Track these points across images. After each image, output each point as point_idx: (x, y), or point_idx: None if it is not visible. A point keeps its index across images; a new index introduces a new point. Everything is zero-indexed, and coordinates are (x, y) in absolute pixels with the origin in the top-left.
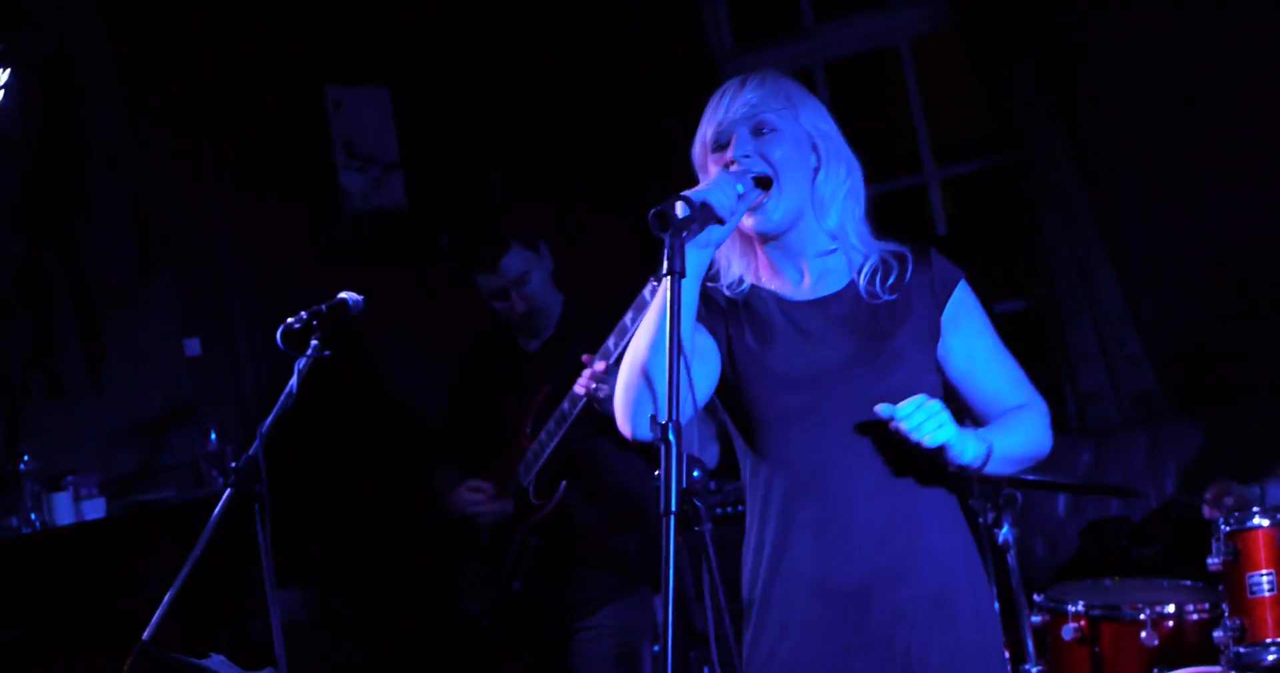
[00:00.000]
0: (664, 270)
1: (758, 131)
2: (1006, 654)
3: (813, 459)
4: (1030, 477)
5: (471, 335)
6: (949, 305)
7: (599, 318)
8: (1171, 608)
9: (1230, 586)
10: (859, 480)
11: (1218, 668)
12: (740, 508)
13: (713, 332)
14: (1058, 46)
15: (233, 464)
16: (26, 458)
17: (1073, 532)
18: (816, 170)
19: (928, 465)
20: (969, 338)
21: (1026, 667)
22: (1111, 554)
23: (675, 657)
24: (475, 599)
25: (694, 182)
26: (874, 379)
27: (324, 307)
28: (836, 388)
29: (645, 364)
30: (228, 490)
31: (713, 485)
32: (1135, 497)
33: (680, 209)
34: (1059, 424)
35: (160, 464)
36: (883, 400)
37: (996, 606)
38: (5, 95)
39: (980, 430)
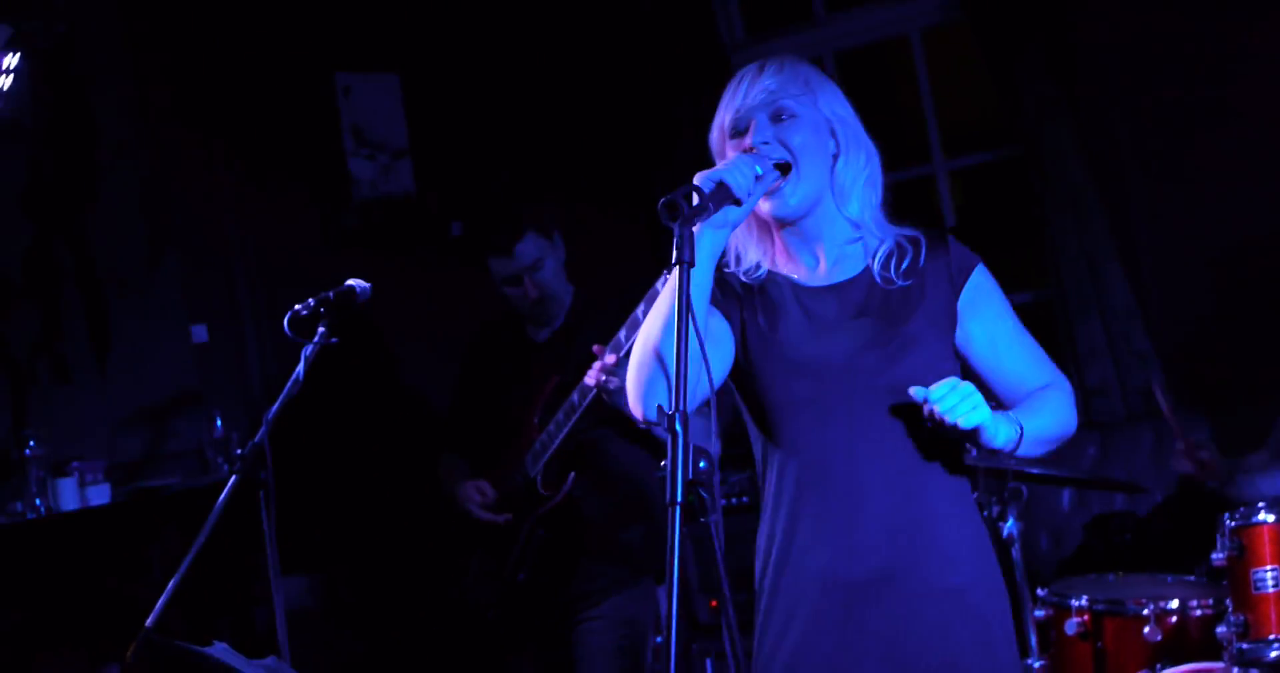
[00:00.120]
0: (674, 260)
1: (776, 118)
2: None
3: (822, 447)
4: (1035, 470)
5: (479, 325)
6: (965, 291)
7: (608, 309)
8: (1175, 603)
9: (1234, 581)
10: (869, 470)
11: (1220, 664)
12: (744, 499)
13: (727, 316)
14: (1068, 40)
15: (238, 451)
16: (32, 443)
17: (1077, 526)
18: (835, 157)
19: (943, 456)
20: (989, 322)
21: (1029, 661)
22: (1115, 549)
23: (678, 648)
24: (480, 590)
25: (701, 170)
26: (886, 366)
27: (331, 294)
28: (847, 375)
29: (658, 346)
30: (233, 477)
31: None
32: (1140, 492)
33: (694, 198)
34: None
35: (166, 451)
36: (895, 388)
37: (1007, 601)
38: (15, 80)
39: (1010, 413)
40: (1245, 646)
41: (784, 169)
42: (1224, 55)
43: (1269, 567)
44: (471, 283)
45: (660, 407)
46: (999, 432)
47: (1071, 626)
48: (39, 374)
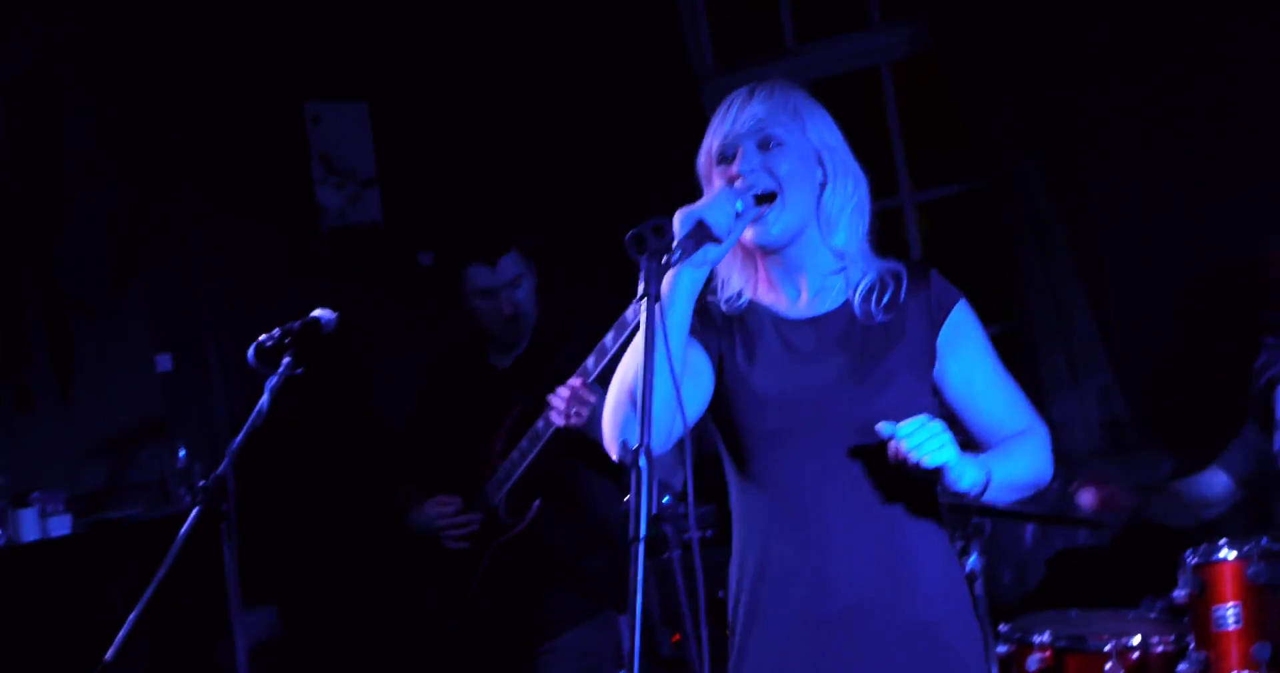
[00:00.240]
0: (640, 294)
1: (764, 145)
2: None
3: (796, 482)
4: (999, 505)
5: (436, 352)
6: (945, 328)
7: (572, 337)
8: (1137, 640)
9: (1196, 618)
10: (843, 506)
11: None
12: (708, 533)
13: (706, 347)
14: (1036, 74)
15: (201, 482)
16: None
17: (1040, 560)
18: (823, 186)
19: (915, 493)
20: (966, 362)
21: None
22: (1079, 584)
23: None
24: (442, 618)
25: (671, 202)
26: (861, 402)
27: (297, 324)
28: (823, 409)
29: (633, 387)
30: (195, 509)
31: (681, 511)
32: (1103, 528)
33: (663, 231)
34: None
35: (128, 481)
36: (869, 424)
37: (982, 637)
38: None
39: (980, 456)
40: None
41: (768, 199)
42: (1194, 89)
43: (1230, 604)
44: (439, 312)
45: (624, 442)
46: (965, 474)
47: (1034, 662)
48: (1, 402)
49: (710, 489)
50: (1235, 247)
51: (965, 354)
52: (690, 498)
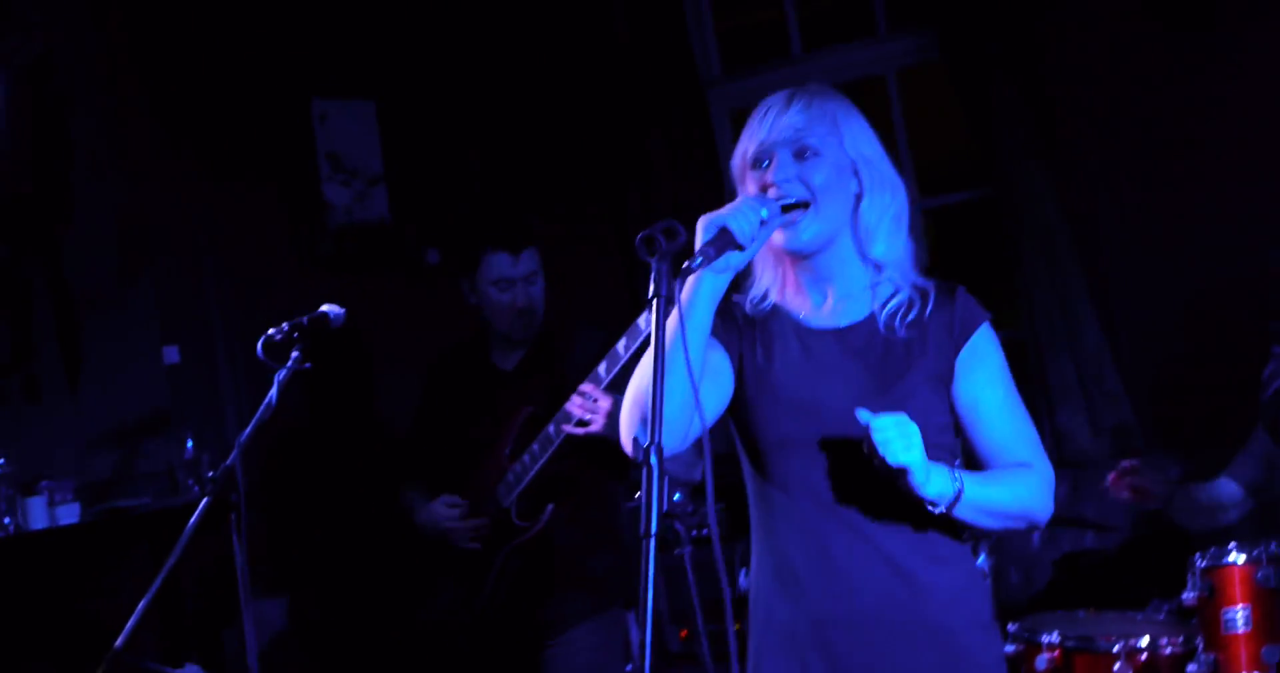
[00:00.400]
0: (650, 294)
1: (800, 155)
2: None
3: (813, 488)
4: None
5: (437, 352)
6: (965, 349)
7: (577, 341)
8: (1146, 641)
9: (1205, 620)
10: (859, 512)
11: None
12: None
13: (727, 348)
14: (1043, 82)
15: (209, 473)
16: (2, 462)
17: (1047, 562)
18: (859, 197)
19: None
20: (977, 386)
21: None
22: (1086, 586)
23: None
24: (450, 618)
25: (677, 205)
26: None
27: (305, 319)
28: (840, 420)
29: (646, 387)
30: (205, 499)
31: (690, 508)
32: (1110, 531)
33: (674, 234)
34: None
35: (136, 471)
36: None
37: (1000, 643)
38: None
39: (961, 472)
40: None
41: (801, 206)
42: (1197, 98)
43: (1239, 606)
44: (445, 309)
45: (636, 439)
46: (931, 481)
47: (1042, 662)
48: (10, 393)
49: (720, 487)
50: (1241, 253)
51: (978, 379)
52: (710, 497)
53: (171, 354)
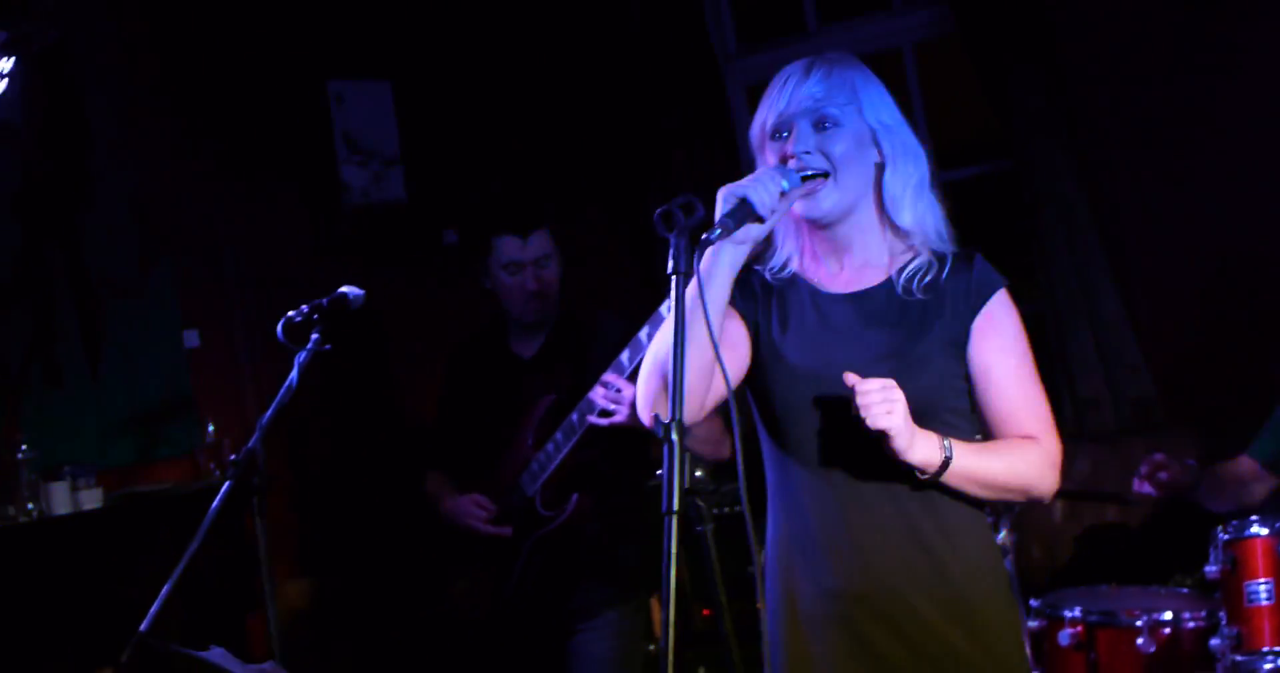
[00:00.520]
0: (670, 270)
1: (819, 126)
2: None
3: (828, 454)
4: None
5: (458, 340)
6: (980, 314)
7: (597, 327)
8: (1169, 615)
9: (1228, 594)
10: (876, 482)
11: None
12: (738, 508)
13: (743, 317)
14: (1059, 54)
15: (231, 457)
16: (24, 447)
17: (1069, 537)
18: (880, 166)
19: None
20: (988, 352)
21: None
22: (1108, 560)
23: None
24: (478, 606)
25: (693, 181)
26: (899, 381)
27: (324, 300)
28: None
29: (664, 361)
30: (227, 483)
31: (712, 486)
32: (1131, 505)
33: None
34: (1057, 429)
35: (158, 456)
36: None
37: (1017, 615)
38: (8, 83)
39: (952, 441)
40: (1239, 658)
41: (821, 177)
42: (1215, 69)
43: (1262, 580)
44: (463, 291)
45: (656, 415)
46: (915, 447)
47: (1065, 636)
48: (31, 378)
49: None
50: (1261, 225)
51: (990, 345)
52: (740, 467)
53: (191, 338)
